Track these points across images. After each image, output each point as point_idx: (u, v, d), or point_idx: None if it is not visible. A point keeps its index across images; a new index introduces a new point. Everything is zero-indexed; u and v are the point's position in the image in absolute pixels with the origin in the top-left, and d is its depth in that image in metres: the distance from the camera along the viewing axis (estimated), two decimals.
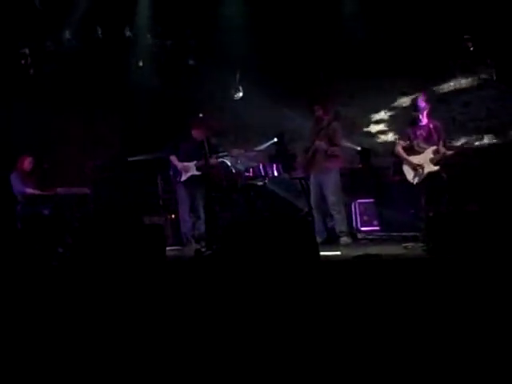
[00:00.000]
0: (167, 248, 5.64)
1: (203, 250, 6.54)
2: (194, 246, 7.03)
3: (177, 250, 7.20)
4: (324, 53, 8.88)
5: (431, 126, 6.58)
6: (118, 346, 2.75)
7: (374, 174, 8.48)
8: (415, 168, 6.53)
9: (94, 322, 3.21)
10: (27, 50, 8.29)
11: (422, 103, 6.64)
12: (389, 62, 8.51)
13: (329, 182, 7.12)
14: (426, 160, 6.48)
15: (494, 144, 8.07)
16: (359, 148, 8.84)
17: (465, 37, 8.31)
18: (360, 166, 8.53)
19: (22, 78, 8.51)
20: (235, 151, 7.46)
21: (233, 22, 8.64)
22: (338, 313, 3.18)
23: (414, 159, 6.56)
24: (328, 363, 2.38)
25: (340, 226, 7.10)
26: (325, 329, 2.89)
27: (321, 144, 7.10)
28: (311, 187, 7.31)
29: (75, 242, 5.34)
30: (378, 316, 3.08)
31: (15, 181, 7.78)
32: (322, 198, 7.20)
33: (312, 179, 7.29)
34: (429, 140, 6.55)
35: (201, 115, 7.14)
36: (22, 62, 8.54)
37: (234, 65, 8.84)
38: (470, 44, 8.30)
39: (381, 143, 9.20)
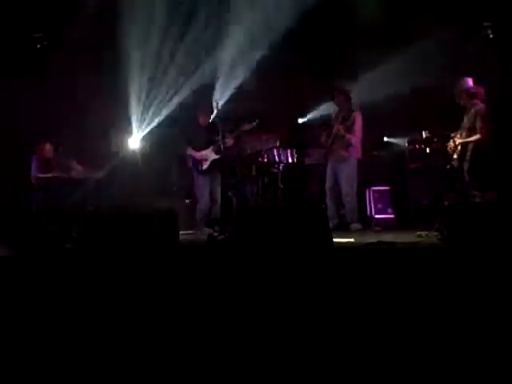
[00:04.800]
0: (180, 232, 5.63)
1: (216, 234, 6.54)
2: (207, 230, 7.03)
3: (190, 234, 7.21)
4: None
5: (473, 110, 6.31)
6: (130, 331, 2.75)
7: (389, 161, 8.40)
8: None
9: (105, 304, 3.22)
10: (42, 34, 8.28)
11: (469, 82, 6.40)
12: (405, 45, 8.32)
13: (344, 171, 7.18)
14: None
15: None
16: None
17: (484, 24, 8.14)
18: (375, 153, 8.45)
19: (36, 61, 8.51)
20: (247, 126, 7.38)
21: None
22: (351, 300, 3.16)
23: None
24: (340, 350, 2.36)
25: (351, 214, 7.22)
26: (338, 316, 2.87)
27: (340, 129, 7.09)
28: (327, 174, 7.36)
29: (88, 225, 5.35)
30: (390, 304, 3.06)
31: (32, 165, 7.81)
32: (337, 185, 7.25)
33: (328, 166, 7.34)
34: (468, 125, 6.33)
35: (215, 101, 7.07)
36: (38, 46, 8.55)
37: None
38: (489, 31, 8.13)
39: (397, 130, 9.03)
